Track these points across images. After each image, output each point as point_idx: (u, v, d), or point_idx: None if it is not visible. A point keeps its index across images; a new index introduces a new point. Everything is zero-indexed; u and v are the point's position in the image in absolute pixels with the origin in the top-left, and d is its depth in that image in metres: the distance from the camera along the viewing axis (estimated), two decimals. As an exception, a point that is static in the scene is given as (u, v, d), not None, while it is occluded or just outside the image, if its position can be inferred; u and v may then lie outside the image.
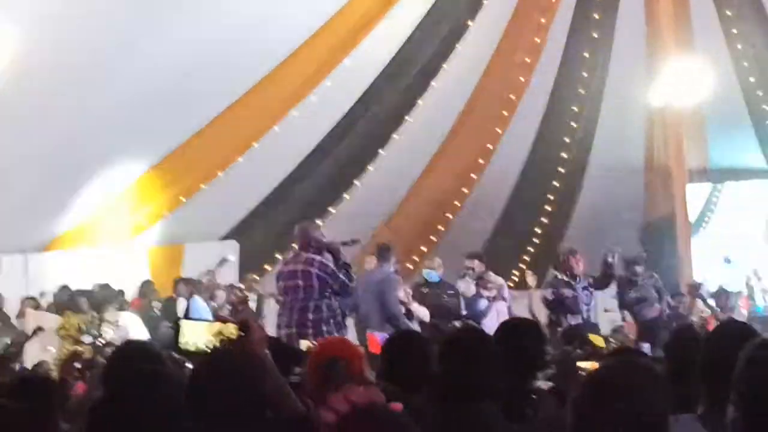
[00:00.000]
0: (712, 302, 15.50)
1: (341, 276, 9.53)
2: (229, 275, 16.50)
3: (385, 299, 11.58)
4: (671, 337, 6.00)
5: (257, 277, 16.16)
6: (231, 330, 4.23)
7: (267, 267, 17.49)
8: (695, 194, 20.34)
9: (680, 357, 5.04)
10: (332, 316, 9.53)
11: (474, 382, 4.16)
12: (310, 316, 9.45)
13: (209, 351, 4.22)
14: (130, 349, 5.09)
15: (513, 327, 5.32)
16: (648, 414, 2.61)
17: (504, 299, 13.41)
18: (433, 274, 13.48)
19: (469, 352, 4.30)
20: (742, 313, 15.41)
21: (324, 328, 9.34)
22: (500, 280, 13.76)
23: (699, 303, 15.44)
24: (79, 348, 12.22)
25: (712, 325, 13.79)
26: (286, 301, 9.78)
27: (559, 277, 12.20)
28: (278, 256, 17.40)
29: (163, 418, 3.55)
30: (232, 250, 17.30)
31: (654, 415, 2.64)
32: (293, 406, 4.13)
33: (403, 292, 12.10)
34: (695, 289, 15.85)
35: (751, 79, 19.90)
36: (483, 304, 13.22)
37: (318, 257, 9.57)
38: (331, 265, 9.55)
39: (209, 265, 15.89)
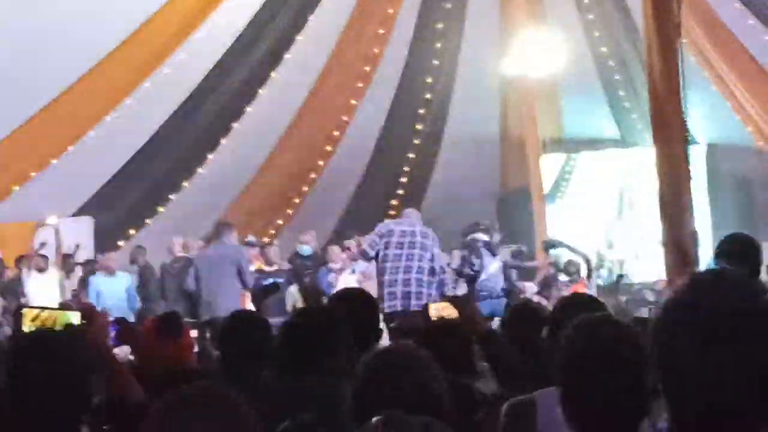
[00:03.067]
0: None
1: None
2: (84, 253, 16.14)
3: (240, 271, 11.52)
4: (511, 313, 5.98)
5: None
6: (71, 317, 4.13)
7: (120, 243, 17.07)
8: (550, 164, 20.51)
9: (520, 332, 5.21)
10: None
11: (316, 356, 4.14)
12: None
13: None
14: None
15: (344, 297, 5.29)
16: (420, 393, 2.73)
17: (354, 271, 13.31)
18: (305, 247, 13.51)
19: (310, 326, 4.28)
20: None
21: None
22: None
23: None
24: None
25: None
26: None
27: None
28: (132, 231, 17.06)
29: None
30: (86, 227, 16.88)
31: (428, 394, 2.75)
32: (132, 393, 4.04)
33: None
34: (549, 246, 15.93)
35: (603, 49, 20.13)
36: (330, 276, 13.18)
37: None
38: None
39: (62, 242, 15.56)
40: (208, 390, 2.57)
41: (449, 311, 6.17)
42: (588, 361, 2.83)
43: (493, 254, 13.25)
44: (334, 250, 13.84)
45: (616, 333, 2.91)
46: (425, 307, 6.90)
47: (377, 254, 10.62)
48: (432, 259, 10.71)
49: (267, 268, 13.71)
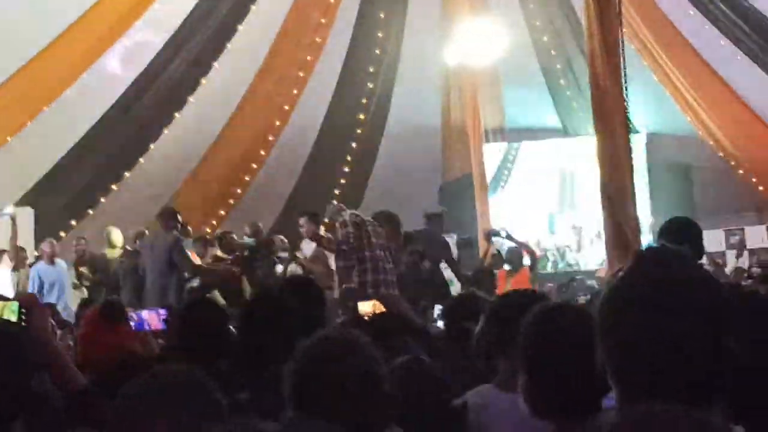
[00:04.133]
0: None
1: None
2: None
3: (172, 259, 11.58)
4: (449, 306, 5.99)
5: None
6: (10, 307, 4.00)
7: (63, 234, 16.85)
8: (492, 154, 20.55)
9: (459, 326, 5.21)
10: None
11: (270, 345, 4.18)
12: None
13: None
14: None
15: (295, 286, 5.37)
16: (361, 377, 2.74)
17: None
18: (248, 239, 13.51)
19: (265, 316, 4.38)
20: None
21: None
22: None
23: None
24: None
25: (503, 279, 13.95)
26: None
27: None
28: (73, 222, 16.86)
29: None
30: (27, 217, 16.64)
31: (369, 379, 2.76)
32: (74, 381, 3.92)
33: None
34: (491, 235, 15.96)
35: (544, 39, 20.22)
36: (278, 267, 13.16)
37: None
38: None
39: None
40: (175, 373, 2.57)
41: (379, 309, 6.20)
42: (551, 346, 2.88)
43: None
44: (278, 239, 13.79)
45: (577, 317, 2.94)
46: (354, 307, 6.86)
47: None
48: None
49: (224, 255, 13.54)
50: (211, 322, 4.90)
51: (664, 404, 1.78)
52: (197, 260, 12.61)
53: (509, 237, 15.21)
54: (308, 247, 13.24)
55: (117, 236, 14.30)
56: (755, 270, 16.27)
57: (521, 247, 14.83)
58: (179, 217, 12.26)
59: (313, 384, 2.73)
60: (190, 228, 14.13)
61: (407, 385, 3.26)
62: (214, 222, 18.89)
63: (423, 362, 3.98)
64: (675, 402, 1.82)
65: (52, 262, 14.28)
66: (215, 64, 17.66)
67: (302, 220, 12.21)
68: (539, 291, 4.39)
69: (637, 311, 1.90)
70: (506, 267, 14.73)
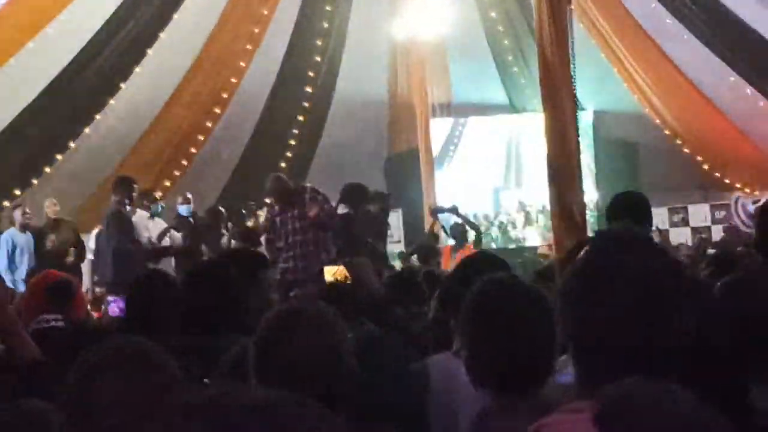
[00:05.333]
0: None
1: None
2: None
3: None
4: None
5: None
6: None
7: (6, 203, 16.64)
8: (438, 129, 20.56)
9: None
10: None
11: (217, 315, 4.21)
12: None
13: None
14: None
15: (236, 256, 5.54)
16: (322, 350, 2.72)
17: None
18: (183, 208, 13.50)
19: (211, 285, 4.39)
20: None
21: None
22: None
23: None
24: None
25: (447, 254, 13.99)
26: None
27: None
28: (17, 192, 16.65)
29: None
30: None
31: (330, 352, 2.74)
32: (27, 351, 4.04)
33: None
34: (436, 212, 15.98)
35: (492, 14, 20.21)
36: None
37: None
38: None
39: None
40: (128, 344, 2.56)
41: (343, 274, 6.19)
42: (493, 322, 2.88)
43: None
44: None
45: (520, 292, 2.96)
46: (321, 270, 6.91)
47: None
48: None
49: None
50: (159, 295, 4.88)
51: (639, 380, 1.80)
52: (154, 232, 12.47)
53: (455, 213, 15.20)
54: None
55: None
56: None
57: (466, 223, 14.84)
58: (134, 186, 12.07)
59: (274, 355, 2.71)
60: (156, 194, 13.97)
61: (368, 356, 3.24)
62: (160, 193, 18.74)
63: (382, 334, 3.98)
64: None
65: (24, 229, 14.12)
66: (161, 35, 17.47)
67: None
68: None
69: (597, 291, 1.92)
70: (450, 242, 14.77)
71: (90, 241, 14.05)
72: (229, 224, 14.40)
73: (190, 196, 14.30)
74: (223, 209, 14.79)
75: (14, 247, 13.72)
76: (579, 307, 1.97)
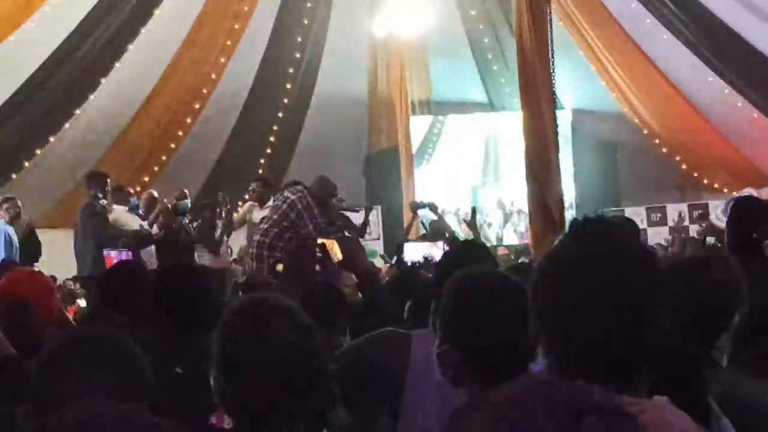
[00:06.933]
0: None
1: None
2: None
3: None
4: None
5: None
6: None
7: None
8: (417, 126, 20.59)
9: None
10: None
11: (196, 315, 4.11)
12: None
13: None
14: None
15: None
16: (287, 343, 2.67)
17: None
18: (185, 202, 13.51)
19: (189, 284, 4.33)
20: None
21: None
22: None
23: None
24: None
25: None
26: None
27: None
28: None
29: None
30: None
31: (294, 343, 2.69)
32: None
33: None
34: (416, 207, 15.98)
35: (472, 12, 20.23)
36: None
37: None
38: None
39: None
40: (98, 333, 2.55)
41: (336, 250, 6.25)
42: (473, 313, 2.84)
43: None
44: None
45: (499, 283, 2.93)
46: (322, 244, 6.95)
47: None
48: None
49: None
50: (133, 286, 4.87)
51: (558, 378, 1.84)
52: (135, 225, 12.40)
53: (434, 210, 15.21)
54: (258, 214, 13.09)
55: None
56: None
57: (443, 223, 14.85)
58: (107, 180, 12.06)
59: (237, 348, 2.67)
60: (130, 189, 13.89)
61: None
62: (139, 188, 18.69)
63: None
64: (600, 376, 1.85)
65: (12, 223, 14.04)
66: (142, 30, 17.43)
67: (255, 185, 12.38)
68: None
69: (569, 282, 1.92)
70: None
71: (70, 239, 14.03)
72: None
73: (186, 191, 14.25)
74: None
75: (10, 241, 13.64)
76: (547, 296, 1.96)
